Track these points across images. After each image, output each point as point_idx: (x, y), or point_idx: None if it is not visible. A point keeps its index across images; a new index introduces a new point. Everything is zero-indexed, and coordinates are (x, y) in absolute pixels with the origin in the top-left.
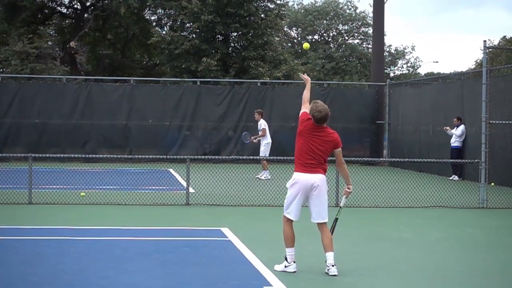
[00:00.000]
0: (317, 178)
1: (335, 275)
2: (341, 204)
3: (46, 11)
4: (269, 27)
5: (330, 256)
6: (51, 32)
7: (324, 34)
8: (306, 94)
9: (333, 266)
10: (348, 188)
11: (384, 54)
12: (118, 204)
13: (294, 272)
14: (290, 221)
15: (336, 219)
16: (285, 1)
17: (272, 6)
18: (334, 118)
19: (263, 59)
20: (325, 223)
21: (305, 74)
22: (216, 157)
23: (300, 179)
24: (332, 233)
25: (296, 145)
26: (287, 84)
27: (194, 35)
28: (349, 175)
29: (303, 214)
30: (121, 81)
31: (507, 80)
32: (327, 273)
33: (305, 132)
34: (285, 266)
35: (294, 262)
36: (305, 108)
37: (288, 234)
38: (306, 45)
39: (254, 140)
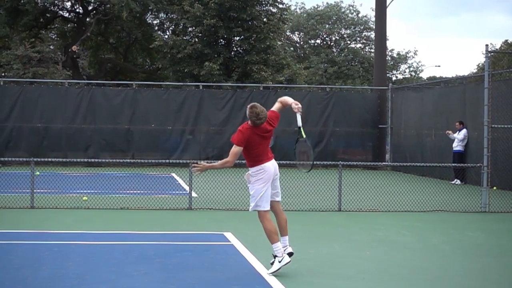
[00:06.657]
0: (276, 163)
1: (291, 253)
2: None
3: (48, 15)
4: (271, 31)
5: (285, 239)
6: (53, 36)
7: (327, 38)
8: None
9: (289, 246)
10: (296, 104)
11: (387, 58)
12: (120, 208)
13: (289, 261)
14: (267, 213)
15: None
16: (287, 5)
17: (274, 10)
18: (336, 122)
19: (266, 63)
20: (279, 201)
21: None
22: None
23: (268, 167)
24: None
25: (249, 152)
26: (290, 88)
27: (196, 39)
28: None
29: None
30: (123, 85)
31: (509, 84)
32: (288, 254)
33: (255, 140)
34: (279, 261)
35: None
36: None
37: (271, 228)
38: None
39: None
